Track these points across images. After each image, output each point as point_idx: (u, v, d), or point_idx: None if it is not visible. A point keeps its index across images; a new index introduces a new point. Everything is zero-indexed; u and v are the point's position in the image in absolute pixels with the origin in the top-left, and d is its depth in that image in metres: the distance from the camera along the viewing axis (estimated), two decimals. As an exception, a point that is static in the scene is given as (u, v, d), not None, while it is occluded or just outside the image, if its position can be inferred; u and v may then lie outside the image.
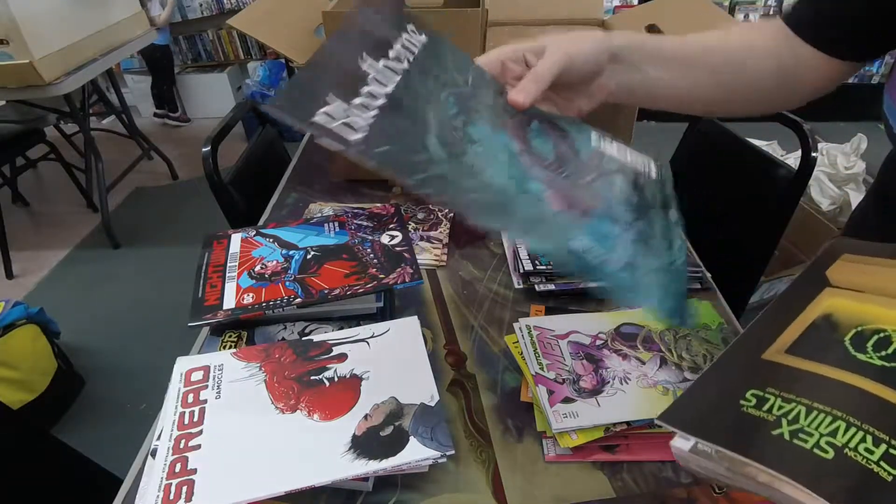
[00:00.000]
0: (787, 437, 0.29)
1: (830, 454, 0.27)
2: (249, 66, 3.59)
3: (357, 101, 0.36)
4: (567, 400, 0.54)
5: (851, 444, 0.27)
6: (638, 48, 0.50)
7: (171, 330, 1.51)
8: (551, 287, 0.70)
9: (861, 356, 0.32)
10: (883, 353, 0.32)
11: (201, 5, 3.53)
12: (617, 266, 0.41)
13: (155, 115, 3.62)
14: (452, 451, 0.48)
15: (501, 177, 0.40)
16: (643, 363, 0.58)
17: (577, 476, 0.50)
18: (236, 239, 0.74)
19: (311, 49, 0.97)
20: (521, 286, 0.73)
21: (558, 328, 0.62)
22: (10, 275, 2.22)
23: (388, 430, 0.49)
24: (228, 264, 0.69)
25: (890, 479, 0.25)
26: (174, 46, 3.64)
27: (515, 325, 0.63)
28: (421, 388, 0.53)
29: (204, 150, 0.97)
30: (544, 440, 0.53)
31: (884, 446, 0.27)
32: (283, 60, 3.21)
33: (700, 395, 0.35)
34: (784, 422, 0.30)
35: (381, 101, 0.38)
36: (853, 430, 0.28)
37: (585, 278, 0.40)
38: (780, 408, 0.31)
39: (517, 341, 0.62)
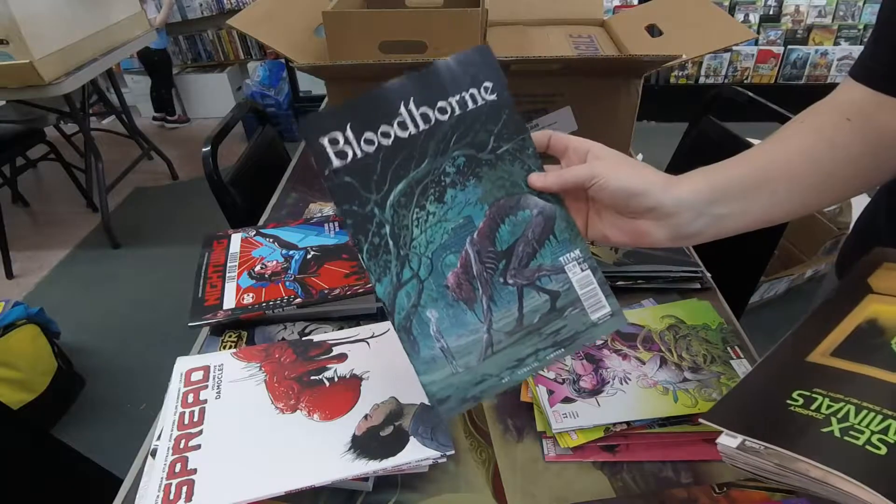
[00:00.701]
0: (837, 433, 0.30)
1: (883, 451, 0.28)
2: (249, 66, 3.59)
3: (367, 135, 0.39)
4: (567, 400, 0.54)
5: None
6: (722, 190, 0.43)
7: (171, 330, 1.52)
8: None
9: None
10: None
11: (201, 5, 3.53)
12: (433, 347, 0.42)
13: (154, 118, 3.63)
14: (452, 451, 0.48)
15: (427, 237, 0.42)
16: (643, 363, 0.58)
17: (577, 476, 0.50)
18: (236, 239, 0.74)
19: (312, 49, 0.97)
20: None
21: (558, 328, 0.62)
22: (10, 275, 2.22)
23: (388, 430, 0.49)
24: (228, 264, 0.69)
25: None
26: (174, 46, 3.64)
27: (515, 325, 0.63)
28: (421, 388, 0.53)
29: (204, 150, 0.97)
30: (544, 440, 0.53)
31: None
32: (283, 60, 3.21)
33: (744, 395, 0.37)
34: (833, 420, 0.31)
35: (387, 142, 0.40)
36: None
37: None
38: (829, 407, 0.32)
39: (517, 341, 0.62)
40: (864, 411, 0.31)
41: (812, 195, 0.45)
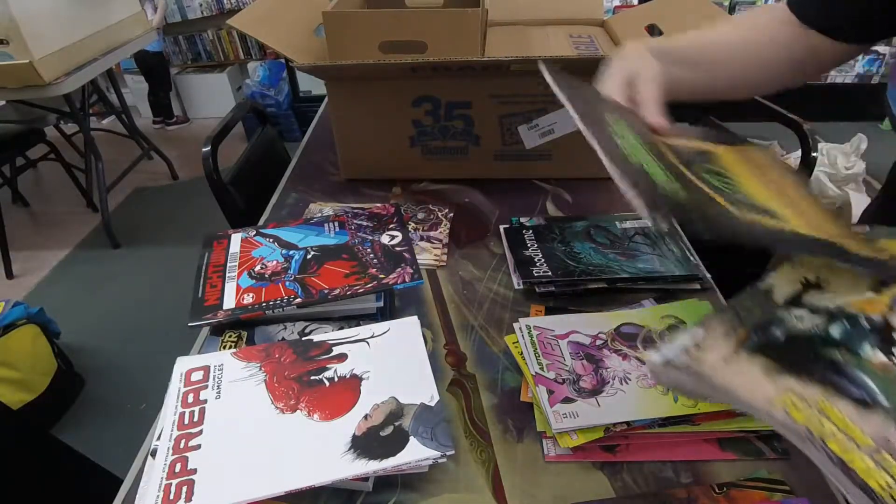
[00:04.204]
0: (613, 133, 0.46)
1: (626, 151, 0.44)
2: (249, 66, 3.59)
3: None
4: (567, 400, 0.54)
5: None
6: (665, 51, 0.55)
7: (171, 330, 1.51)
8: (551, 288, 0.70)
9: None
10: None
11: (201, 5, 3.53)
12: None
13: (154, 122, 3.63)
14: (452, 451, 0.48)
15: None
16: (643, 363, 0.58)
17: (577, 476, 0.50)
18: (236, 239, 0.74)
19: (311, 49, 0.97)
20: (521, 286, 0.73)
21: (558, 328, 0.62)
22: (10, 275, 2.22)
23: (388, 430, 0.49)
24: (228, 264, 0.69)
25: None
26: (174, 46, 3.64)
27: (515, 325, 0.63)
28: (421, 388, 0.53)
29: (204, 150, 0.97)
30: (544, 440, 0.53)
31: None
32: (283, 60, 3.21)
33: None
34: (616, 131, 0.46)
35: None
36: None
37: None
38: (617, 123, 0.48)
39: (517, 341, 0.62)
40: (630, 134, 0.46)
41: (742, 79, 0.59)
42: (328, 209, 0.91)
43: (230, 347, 0.61)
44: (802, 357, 0.36)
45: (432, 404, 0.52)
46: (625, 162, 0.42)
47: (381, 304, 0.66)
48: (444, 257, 0.79)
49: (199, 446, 0.48)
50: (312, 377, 0.55)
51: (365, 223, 0.76)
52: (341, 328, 0.62)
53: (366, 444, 0.48)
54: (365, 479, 0.48)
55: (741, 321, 0.40)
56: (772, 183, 0.52)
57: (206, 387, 0.54)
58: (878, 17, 0.50)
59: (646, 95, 0.52)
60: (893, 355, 0.33)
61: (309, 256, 0.70)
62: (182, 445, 0.48)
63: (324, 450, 0.48)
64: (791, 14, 0.55)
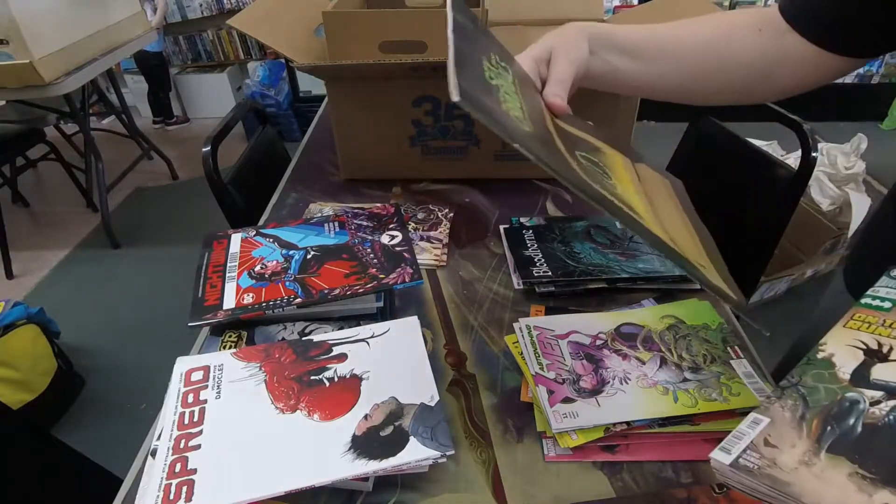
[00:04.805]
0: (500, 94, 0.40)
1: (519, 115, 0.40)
2: (249, 66, 3.59)
3: None
4: (567, 400, 0.54)
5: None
6: (607, 37, 0.52)
7: (171, 330, 1.51)
8: (551, 288, 0.70)
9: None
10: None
11: (201, 5, 3.53)
12: None
13: (154, 122, 3.64)
14: (452, 451, 0.48)
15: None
16: (643, 363, 0.58)
17: (577, 476, 0.50)
18: (236, 239, 0.74)
19: (311, 49, 0.97)
20: (521, 286, 0.73)
21: (558, 328, 0.62)
22: (10, 275, 2.22)
23: (388, 430, 0.49)
24: (228, 264, 0.69)
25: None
26: (174, 46, 3.64)
27: (515, 325, 0.63)
28: (421, 388, 0.53)
29: (204, 150, 0.97)
30: (544, 440, 0.53)
31: None
32: (283, 60, 3.21)
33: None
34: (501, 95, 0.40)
35: None
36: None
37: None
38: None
39: (517, 341, 0.62)
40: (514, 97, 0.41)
41: (696, 81, 0.53)
42: (328, 209, 0.91)
43: (230, 347, 0.61)
44: (894, 461, 0.31)
45: (432, 404, 0.52)
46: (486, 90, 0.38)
47: (381, 304, 0.66)
48: (444, 257, 0.79)
49: (199, 446, 0.48)
50: (312, 377, 0.55)
51: (365, 223, 0.76)
52: (341, 328, 0.62)
53: (366, 444, 0.48)
54: (365, 479, 0.48)
55: (807, 403, 0.35)
56: (648, 195, 0.49)
57: (206, 387, 0.54)
58: (870, 28, 0.46)
59: (554, 73, 0.48)
60: None
61: (309, 256, 0.70)
62: (182, 445, 0.48)
63: (324, 450, 0.48)
64: (779, 19, 0.50)
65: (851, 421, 0.34)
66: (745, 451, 0.34)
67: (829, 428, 0.34)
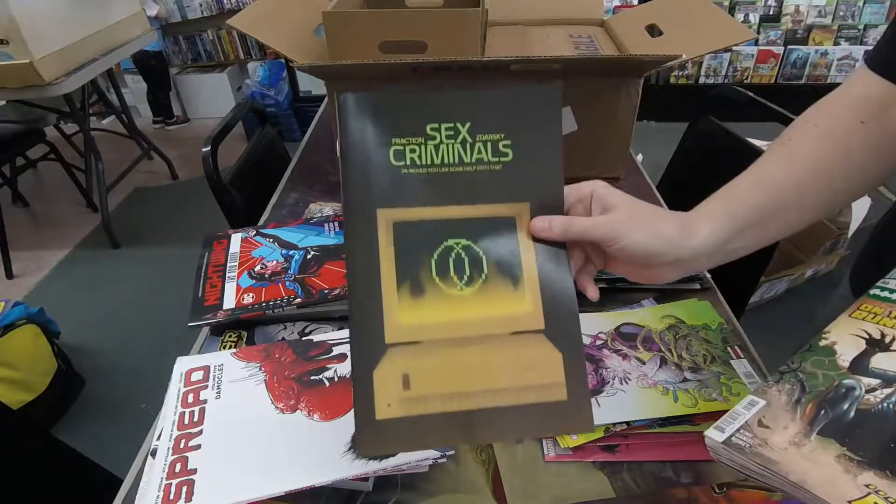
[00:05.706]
0: None
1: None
2: (249, 66, 3.59)
3: None
4: (567, 400, 0.53)
5: None
6: (733, 214, 0.41)
7: (171, 330, 1.51)
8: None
9: None
10: None
11: (201, 5, 3.53)
12: None
13: (154, 122, 3.64)
14: (452, 451, 0.48)
15: None
16: (643, 363, 0.58)
17: (577, 476, 0.50)
18: (236, 239, 0.74)
19: (311, 49, 0.97)
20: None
21: (558, 328, 0.62)
22: (10, 275, 2.22)
23: (388, 430, 0.49)
24: (228, 264, 0.69)
25: None
26: (174, 46, 3.64)
27: (515, 325, 0.63)
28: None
29: (204, 150, 0.97)
30: (544, 440, 0.53)
31: None
32: (283, 60, 3.21)
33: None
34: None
35: None
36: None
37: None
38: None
39: (517, 341, 0.61)
40: None
41: (818, 214, 0.44)
42: (328, 209, 0.91)
43: (230, 347, 0.61)
44: (882, 445, 0.31)
45: (432, 404, 0.52)
46: None
47: (381, 304, 0.66)
48: (444, 257, 0.79)
49: (199, 446, 0.48)
50: (312, 377, 0.55)
51: (365, 223, 0.76)
52: (341, 328, 0.62)
53: (366, 444, 0.48)
54: (365, 478, 0.48)
55: (804, 388, 0.36)
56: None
57: (206, 387, 0.54)
58: None
59: (576, 224, 0.38)
60: None
61: (309, 256, 0.70)
62: (182, 445, 0.48)
63: (324, 450, 0.48)
64: (874, 93, 0.42)
65: (845, 406, 0.35)
66: (738, 430, 0.35)
67: (822, 412, 0.35)
